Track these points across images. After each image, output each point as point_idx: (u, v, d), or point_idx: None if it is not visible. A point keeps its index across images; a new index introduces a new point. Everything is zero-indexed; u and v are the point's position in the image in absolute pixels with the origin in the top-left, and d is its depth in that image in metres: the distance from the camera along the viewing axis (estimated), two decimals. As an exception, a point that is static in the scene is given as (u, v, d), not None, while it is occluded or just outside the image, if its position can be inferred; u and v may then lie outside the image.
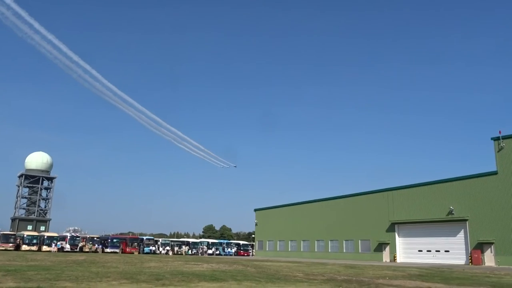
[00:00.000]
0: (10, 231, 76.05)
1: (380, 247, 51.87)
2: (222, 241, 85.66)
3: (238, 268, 26.54)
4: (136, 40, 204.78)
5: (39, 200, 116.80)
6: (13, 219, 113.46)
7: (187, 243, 76.02)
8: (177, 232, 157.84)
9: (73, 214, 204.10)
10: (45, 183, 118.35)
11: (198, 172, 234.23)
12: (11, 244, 60.08)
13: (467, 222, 44.14)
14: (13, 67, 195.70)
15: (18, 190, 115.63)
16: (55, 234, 66.89)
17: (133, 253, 62.12)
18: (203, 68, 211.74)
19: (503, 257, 40.87)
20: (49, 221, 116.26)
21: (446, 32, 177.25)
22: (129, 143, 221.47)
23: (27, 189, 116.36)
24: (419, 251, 48.43)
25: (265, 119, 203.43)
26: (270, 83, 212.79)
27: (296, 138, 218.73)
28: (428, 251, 47.63)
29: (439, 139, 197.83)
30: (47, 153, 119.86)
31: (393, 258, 49.85)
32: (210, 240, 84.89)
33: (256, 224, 72.87)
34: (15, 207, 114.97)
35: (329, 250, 58.52)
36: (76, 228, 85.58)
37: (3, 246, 58.43)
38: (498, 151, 42.92)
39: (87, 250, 63.86)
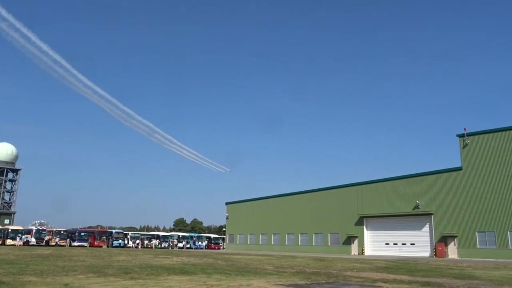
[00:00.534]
0: (-28, 224, 73.37)
1: (348, 240, 52.87)
2: (192, 234, 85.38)
3: (208, 261, 26.52)
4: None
5: (3, 192, 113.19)
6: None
7: (157, 237, 75.42)
8: (147, 226, 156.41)
9: (40, 207, 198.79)
10: (10, 175, 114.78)
11: (169, 165, 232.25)
12: (-28, 238, 58.06)
13: (432, 216, 45.50)
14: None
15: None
16: (20, 228, 65.05)
17: (101, 246, 61.13)
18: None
19: (465, 249, 42.40)
20: (13, 214, 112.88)
21: (421, 26, 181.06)
22: (99, 135, 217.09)
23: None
24: (386, 244, 49.65)
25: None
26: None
27: (268, 132, 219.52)
28: (394, 244, 48.89)
29: (407, 135, 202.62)
30: (12, 144, 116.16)
31: (361, 251, 50.92)
32: (181, 234, 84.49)
33: (227, 218, 72.94)
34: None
35: (299, 244, 59.22)
36: (42, 221, 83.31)
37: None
38: (463, 148, 44.35)
39: (53, 243, 62.40)
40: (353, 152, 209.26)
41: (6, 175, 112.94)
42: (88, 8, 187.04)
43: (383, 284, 14.31)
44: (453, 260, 38.06)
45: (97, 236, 64.59)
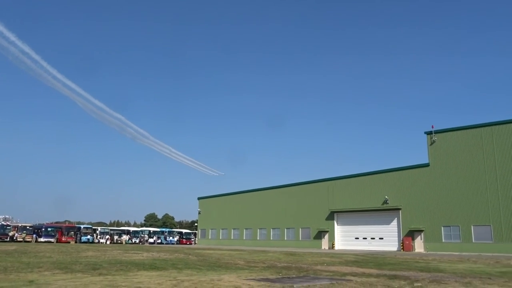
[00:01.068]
0: None
1: (319, 235, 53.58)
2: (164, 229, 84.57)
3: (179, 256, 26.34)
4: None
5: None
6: None
7: (128, 232, 74.34)
8: (118, 221, 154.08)
9: (4, 202, 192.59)
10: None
11: (140, 159, 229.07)
12: None
13: (400, 211, 46.62)
14: None
15: None
16: (-17, 223, 62.75)
17: (69, 242, 59.75)
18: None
19: (431, 243, 43.68)
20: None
21: (392, 22, 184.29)
22: (69, 130, 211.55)
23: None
24: (356, 238, 50.58)
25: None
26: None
27: (232, 127, 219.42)
28: (364, 238, 49.86)
29: (378, 130, 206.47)
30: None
31: (332, 246, 51.70)
32: (152, 229, 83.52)
33: (199, 213, 72.64)
34: None
35: (271, 238, 59.61)
36: (6, 216, 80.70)
37: None
38: (431, 145, 45.56)
39: (21, 239, 60.56)
40: (325, 148, 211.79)
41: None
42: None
43: (352, 278, 14.57)
44: (419, 253, 39.13)
45: (65, 231, 63.05)
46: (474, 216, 41.54)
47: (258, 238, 61.40)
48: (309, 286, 11.90)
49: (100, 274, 14.34)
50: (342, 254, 34.79)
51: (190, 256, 26.60)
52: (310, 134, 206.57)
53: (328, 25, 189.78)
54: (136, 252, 31.17)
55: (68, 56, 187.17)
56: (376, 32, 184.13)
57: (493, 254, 36.96)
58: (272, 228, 59.99)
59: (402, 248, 45.15)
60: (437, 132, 45.31)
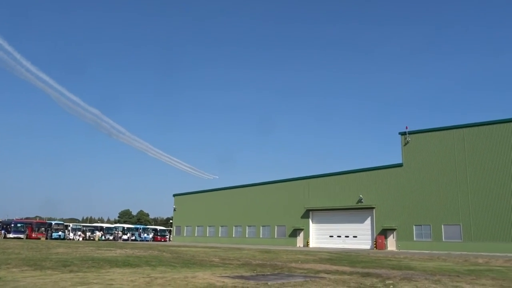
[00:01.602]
0: None
1: (294, 233, 53.94)
2: (138, 226, 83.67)
3: (153, 253, 26.07)
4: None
5: None
6: None
7: (101, 228, 73.20)
8: (91, 217, 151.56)
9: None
10: None
11: (116, 155, 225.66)
12: None
13: (374, 210, 47.38)
14: None
15: None
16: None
17: (39, 238, 58.41)
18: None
19: (403, 242, 44.57)
20: None
21: (376, 21, 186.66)
22: (40, 122, 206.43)
23: None
24: (330, 236, 51.15)
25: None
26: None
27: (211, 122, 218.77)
28: (338, 236, 50.47)
29: (352, 129, 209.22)
30: None
31: (306, 243, 52.14)
32: (126, 225, 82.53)
33: (174, 210, 72.06)
34: None
35: (247, 236, 59.66)
36: (-26, 211, 78.19)
37: None
38: (405, 145, 46.43)
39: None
40: (301, 146, 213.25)
41: None
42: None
43: (325, 275, 14.71)
44: (391, 252, 39.90)
45: (35, 227, 61.62)
46: (445, 215, 42.58)
47: (233, 236, 61.36)
48: (283, 283, 11.96)
49: (71, 271, 14.05)
50: (317, 252, 35.13)
51: (164, 253, 26.36)
52: (289, 132, 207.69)
53: (308, 21, 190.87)
54: (109, 248, 30.69)
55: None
56: (357, 30, 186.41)
57: (462, 252, 38.01)
58: (248, 226, 60.05)
59: (375, 246, 45.91)
60: (411, 133, 46.21)
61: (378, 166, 48.67)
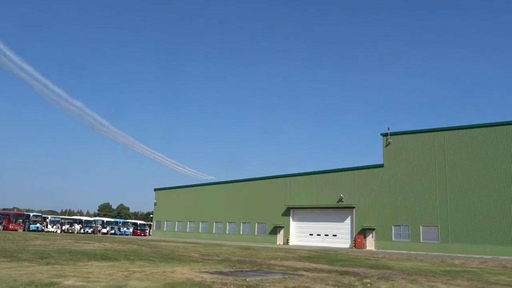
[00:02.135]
0: None
1: (275, 230, 54.13)
2: (118, 220, 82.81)
3: (132, 247, 25.87)
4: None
5: None
6: None
7: (80, 221, 72.25)
8: (70, 210, 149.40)
9: None
10: None
11: (98, 149, 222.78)
12: None
13: (354, 209, 47.84)
14: None
15: None
16: None
17: (17, 230, 57.39)
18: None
19: (381, 242, 45.16)
20: None
21: (358, 28, 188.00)
22: (20, 111, 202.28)
23: None
24: (310, 234, 51.48)
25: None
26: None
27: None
28: (318, 235, 50.82)
29: (337, 129, 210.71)
30: None
31: (286, 241, 52.38)
32: (105, 219, 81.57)
33: (155, 204, 71.52)
34: None
35: (227, 232, 59.62)
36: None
37: None
38: (386, 146, 46.97)
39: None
40: (286, 144, 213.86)
41: None
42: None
43: (304, 273, 14.82)
44: (370, 251, 40.38)
45: (12, 218, 60.51)
46: (423, 217, 43.27)
47: (214, 232, 61.26)
48: (262, 280, 12.00)
49: (47, 264, 13.86)
50: (296, 249, 35.35)
51: (143, 248, 26.19)
52: (270, 129, 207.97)
53: (292, 17, 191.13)
54: (88, 242, 30.33)
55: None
56: (341, 30, 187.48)
57: (439, 253, 38.69)
58: (229, 222, 60.01)
59: (354, 246, 46.39)
60: (392, 134, 46.76)
61: (360, 166, 49.15)
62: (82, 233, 66.07)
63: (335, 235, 49.43)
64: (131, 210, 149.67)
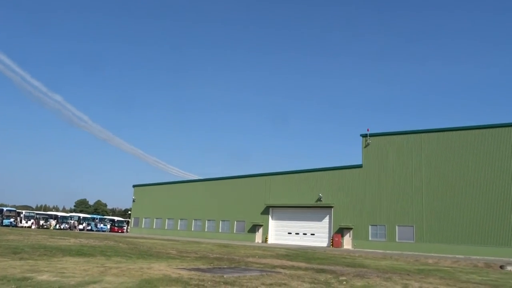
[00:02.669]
0: None
1: (254, 228, 54.25)
2: (95, 216, 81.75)
3: (109, 243, 25.57)
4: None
5: None
6: None
7: (55, 217, 71.04)
8: (45, 205, 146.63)
9: None
10: None
11: (74, 143, 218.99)
12: None
13: (332, 208, 48.32)
14: None
15: None
16: None
17: (-11, 225, 56.04)
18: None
19: (358, 241, 45.75)
20: None
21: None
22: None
23: None
24: (289, 233, 51.77)
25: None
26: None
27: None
28: (296, 233, 51.16)
29: (320, 129, 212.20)
30: None
31: (265, 239, 52.56)
32: (82, 215, 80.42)
33: (133, 201, 70.80)
34: None
35: (206, 230, 59.46)
36: None
37: None
38: (365, 147, 47.58)
39: None
40: (266, 143, 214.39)
41: None
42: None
43: (281, 270, 14.94)
44: (347, 250, 40.89)
45: (-15, 213, 59.07)
46: (399, 216, 44.02)
47: (192, 229, 61.01)
48: (239, 276, 12.05)
49: (21, 259, 13.60)
50: (274, 248, 35.53)
51: (120, 244, 25.91)
52: (250, 128, 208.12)
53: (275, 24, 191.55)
54: (63, 237, 29.84)
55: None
56: (320, 33, 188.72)
57: (414, 253, 39.45)
58: (208, 220, 59.85)
59: (332, 244, 46.87)
60: (372, 135, 47.39)
61: (339, 166, 49.65)
62: (58, 229, 64.95)
63: (313, 234, 49.83)
64: (109, 207, 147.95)
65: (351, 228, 46.56)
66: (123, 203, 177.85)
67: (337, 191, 48.50)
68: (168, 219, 64.62)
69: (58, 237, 29.68)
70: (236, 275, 12.47)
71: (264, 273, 13.39)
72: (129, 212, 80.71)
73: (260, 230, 53.69)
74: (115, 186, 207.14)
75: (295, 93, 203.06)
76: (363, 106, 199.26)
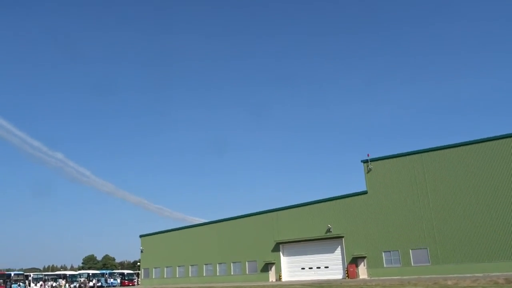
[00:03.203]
0: None
1: (266, 267, 53.24)
2: (104, 271, 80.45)
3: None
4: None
5: None
6: None
7: (64, 276, 69.87)
8: (53, 265, 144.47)
9: None
10: None
11: (77, 199, 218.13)
12: None
13: (343, 238, 47.62)
14: None
15: None
16: None
17: (-3, 292, 55.04)
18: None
19: (374, 269, 44.81)
20: None
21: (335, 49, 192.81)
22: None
23: None
24: (302, 268, 50.80)
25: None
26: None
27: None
28: (310, 268, 50.19)
29: (322, 159, 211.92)
30: None
31: (279, 277, 51.49)
32: (91, 271, 79.20)
33: (141, 251, 69.82)
34: None
35: (218, 274, 58.35)
36: None
37: None
38: (367, 173, 47.46)
39: None
40: (269, 178, 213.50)
41: None
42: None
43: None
44: (363, 280, 40.04)
45: (-7, 280, 58.11)
46: (411, 240, 43.30)
47: (204, 275, 59.86)
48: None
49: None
50: (289, 285, 34.82)
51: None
52: (253, 164, 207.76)
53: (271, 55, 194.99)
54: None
55: None
56: (316, 63, 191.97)
57: (432, 276, 38.59)
58: (218, 263, 58.84)
59: (347, 276, 45.89)
60: (372, 160, 47.37)
61: (344, 195, 49.28)
62: (68, 288, 63.81)
63: (327, 266, 48.91)
64: (117, 260, 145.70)
65: (364, 257, 45.74)
66: (132, 255, 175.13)
67: (346, 220, 47.98)
68: (179, 266, 63.55)
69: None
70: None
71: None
72: (138, 263, 79.46)
73: (273, 268, 52.70)
74: (122, 238, 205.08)
75: (292, 124, 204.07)
76: (359, 132, 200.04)
